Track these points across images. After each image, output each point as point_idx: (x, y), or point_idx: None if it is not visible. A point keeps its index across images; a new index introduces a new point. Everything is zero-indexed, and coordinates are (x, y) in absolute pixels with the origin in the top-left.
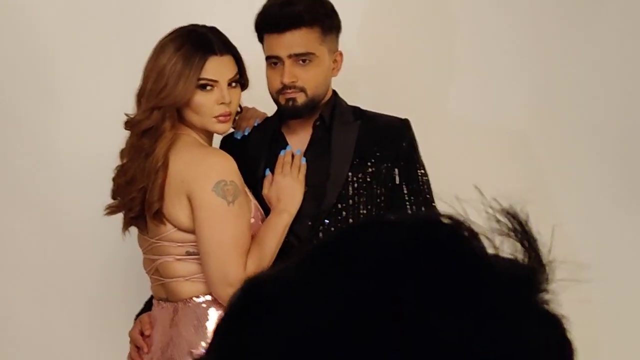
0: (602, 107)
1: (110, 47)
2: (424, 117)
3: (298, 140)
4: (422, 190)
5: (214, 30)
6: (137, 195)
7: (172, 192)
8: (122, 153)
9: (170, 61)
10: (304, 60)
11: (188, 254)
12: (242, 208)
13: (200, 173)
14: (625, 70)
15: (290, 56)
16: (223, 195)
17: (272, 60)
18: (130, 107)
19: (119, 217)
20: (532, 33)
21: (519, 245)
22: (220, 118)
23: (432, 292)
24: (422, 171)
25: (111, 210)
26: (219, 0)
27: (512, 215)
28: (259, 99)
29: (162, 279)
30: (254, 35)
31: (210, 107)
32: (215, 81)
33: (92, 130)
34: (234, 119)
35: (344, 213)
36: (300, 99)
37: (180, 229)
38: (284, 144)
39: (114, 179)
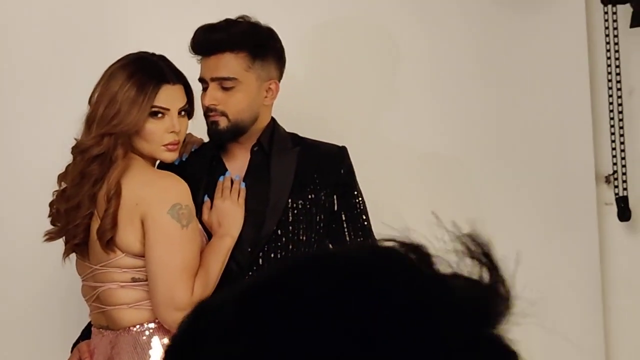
0: (535, 130)
1: (50, 71)
2: (358, 144)
3: (237, 166)
4: (359, 216)
5: (164, 58)
6: (83, 221)
7: (126, 218)
8: (63, 178)
9: (123, 88)
10: (226, 85)
11: (133, 280)
12: (194, 233)
13: (156, 195)
14: (557, 99)
15: (213, 79)
16: (178, 218)
17: (202, 84)
18: (68, 133)
19: (57, 243)
20: (469, 59)
21: (481, 270)
22: (169, 146)
23: (377, 328)
24: (360, 198)
25: (50, 236)
26: (165, 27)
27: (473, 239)
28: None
29: (103, 306)
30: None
31: (160, 135)
32: (167, 109)
33: (29, 153)
34: None
35: (283, 239)
36: (223, 122)
37: (130, 254)
38: (223, 170)
39: (52, 204)
